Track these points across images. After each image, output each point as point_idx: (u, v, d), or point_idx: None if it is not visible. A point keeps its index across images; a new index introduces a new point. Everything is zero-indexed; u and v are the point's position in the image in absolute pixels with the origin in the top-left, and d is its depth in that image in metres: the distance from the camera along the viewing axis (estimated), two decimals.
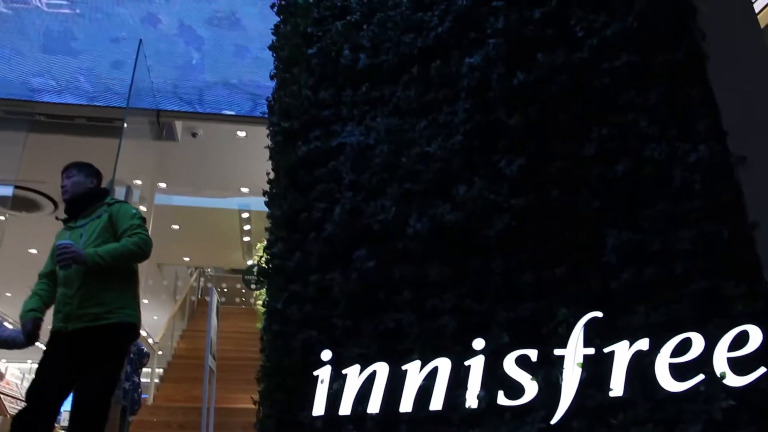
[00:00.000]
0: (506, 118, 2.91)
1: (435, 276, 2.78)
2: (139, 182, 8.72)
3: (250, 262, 13.92)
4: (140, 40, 7.30)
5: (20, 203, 10.16)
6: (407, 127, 2.99)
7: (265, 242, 3.27)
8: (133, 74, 7.21)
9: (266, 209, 3.38)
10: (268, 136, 3.53)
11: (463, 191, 2.77)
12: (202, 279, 18.56)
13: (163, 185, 10.02)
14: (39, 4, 7.42)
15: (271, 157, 3.46)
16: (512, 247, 2.72)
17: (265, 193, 3.50)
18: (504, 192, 2.75)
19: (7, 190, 9.70)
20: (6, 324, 4.02)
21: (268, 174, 3.42)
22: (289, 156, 3.14)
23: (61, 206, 3.99)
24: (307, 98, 3.22)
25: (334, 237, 2.90)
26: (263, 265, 3.23)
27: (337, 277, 2.86)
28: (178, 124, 8.71)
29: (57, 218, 4.09)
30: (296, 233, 3.01)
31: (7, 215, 10.44)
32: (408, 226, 2.81)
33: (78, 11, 7.55)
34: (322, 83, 3.28)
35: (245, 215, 12.80)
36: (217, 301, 8.51)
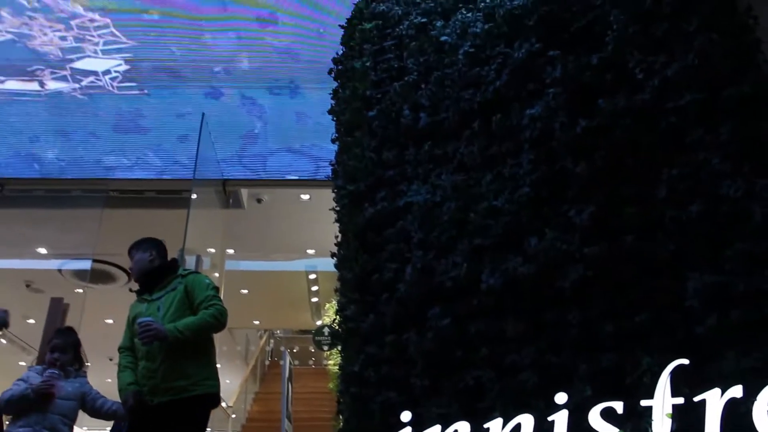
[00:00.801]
0: (572, 166, 2.91)
1: (511, 331, 2.77)
2: (209, 250, 9.00)
3: (319, 323, 14.03)
4: (203, 114, 7.64)
5: (97, 276, 10.64)
6: (473, 183, 3.03)
7: (336, 304, 3.33)
8: (198, 147, 7.54)
9: (333, 270, 3.45)
10: (334, 199, 3.62)
11: (535, 243, 2.78)
12: (272, 341, 18.79)
13: (231, 251, 10.30)
14: (111, 88, 7.86)
15: (338, 220, 3.55)
16: (589, 297, 2.70)
17: (333, 255, 3.58)
18: (576, 241, 2.74)
19: (86, 265, 10.18)
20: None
21: (337, 237, 3.50)
22: (357, 218, 3.21)
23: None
24: (371, 160, 3.31)
25: (407, 297, 2.93)
26: (335, 327, 3.27)
27: (413, 337, 2.88)
28: (244, 192, 9.02)
29: (131, 290, 4.24)
30: (369, 295, 3.06)
31: (85, 288, 10.88)
32: (481, 281, 2.82)
33: (146, 91, 7.97)
34: (384, 144, 3.36)
35: (312, 276, 12.99)
36: (290, 362, 8.59)
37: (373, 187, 3.27)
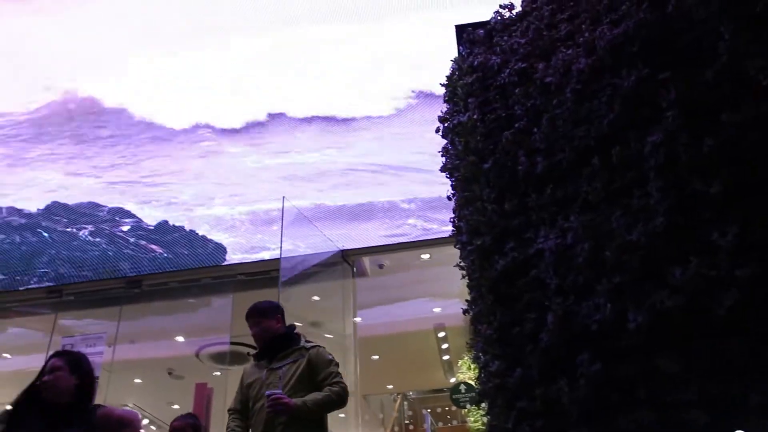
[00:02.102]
0: (705, 188, 2.80)
1: (668, 367, 2.65)
2: (336, 321, 9.20)
3: (453, 380, 13.87)
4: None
5: (234, 357, 11.08)
6: (602, 220, 2.96)
7: (468, 360, 3.31)
8: (281, 229, 7.85)
9: (461, 325, 3.45)
10: (460, 256, 3.63)
11: (679, 273, 2.66)
12: (406, 403, 18.76)
13: (358, 320, 10.48)
14: None
15: (468, 276, 3.54)
16: (747, 322, 2.55)
17: (465, 312, 3.57)
18: (724, 265, 2.60)
19: (222, 348, 10.65)
20: None
21: (469, 292, 3.49)
22: (488, 272, 3.21)
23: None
24: (494, 212, 3.31)
25: (552, 346, 2.88)
26: (473, 383, 3.26)
27: (564, 387, 2.81)
28: (366, 260, 9.20)
29: (248, 354, 4.38)
30: (511, 348, 3.02)
31: (224, 371, 11.34)
32: (627, 320, 2.72)
33: None
34: (504, 194, 3.37)
35: (441, 334, 12.95)
36: (431, 422, 8.55)
37: (499, 239, 3.27)
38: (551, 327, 2.90)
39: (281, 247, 8.60)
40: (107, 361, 10.04)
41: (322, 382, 3.90)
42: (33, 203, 12.45)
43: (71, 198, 12.25)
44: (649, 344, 2.72)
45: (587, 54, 3.46)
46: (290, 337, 4.22)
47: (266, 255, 8.80)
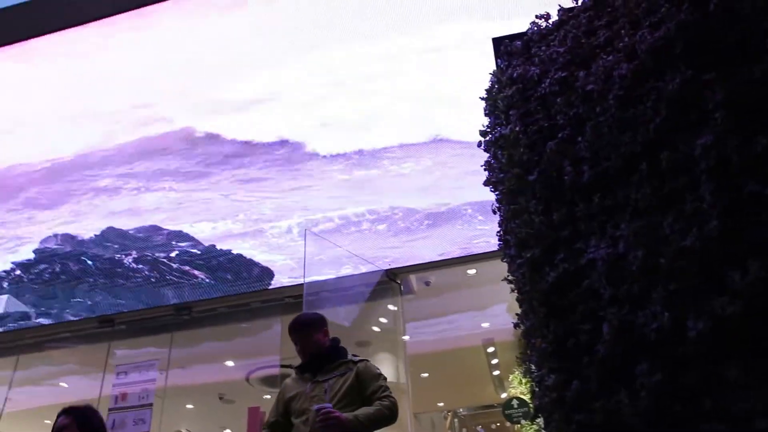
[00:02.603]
0: (761, 188, 2.72)
1: (734, 376, 2.56)
2: (384, 340, 9.19)
3: (504, 395, 13.70)
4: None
5: (282, 381, 11.16)
6: (654, 226, 2.90)
7: (518, 374, 3.26)
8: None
9: (511, 339, 3.41)
10: (508, 270, 3.59)
11: (739, 277, 2.58)
12: (456, 420, 18.58)
13: (407, 338, 10.46)
14: None
15: (517, 290, 3.50)
16: None
17: (516, 326, 3.52)
18: None
19: (272, 371, 10.73)
20: None
21: (520, 306, 3.45)
22: (539, 285, 3.16)
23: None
24: (542, 224, 3.27)
25: (609, 357, 2.81)
26: (525, 398, 3.21)
27: (624, 399, 2.74)
28: (412, 277, 9.20)
29: (291, 366, 4.30)
30: (568, 361, 2.97)
31: (273, 394, 11.42)
32: (687, 328, 2.65)
33: None
34: (551, 205, 3.32)
35: (491, 349, 12.83)
36: None
37: (549, 251, 3.22)
38: (607, 338, 2.84)
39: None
40: (160, 388, 10.17)
41: (371, 396, 3.85)
42: (90, 228, 12.70)
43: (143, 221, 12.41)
44: (712, 352, 2.64)
45: (628, 59, 3.42)
46: (337, 349, 4.19)
47: (318, 277, 8.86)
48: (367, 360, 4.21)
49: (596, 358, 2.88)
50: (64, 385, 13.18)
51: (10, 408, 12.00)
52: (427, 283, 9.11)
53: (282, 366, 10.41)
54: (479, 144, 4.11)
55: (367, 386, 3.88)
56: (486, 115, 4.14)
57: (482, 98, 4.23)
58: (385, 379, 4.03)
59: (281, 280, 9.25)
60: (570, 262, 3.12)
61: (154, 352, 10.91)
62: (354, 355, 4.23)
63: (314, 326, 4.23)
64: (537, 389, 3.28)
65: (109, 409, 9.81)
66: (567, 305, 3.07)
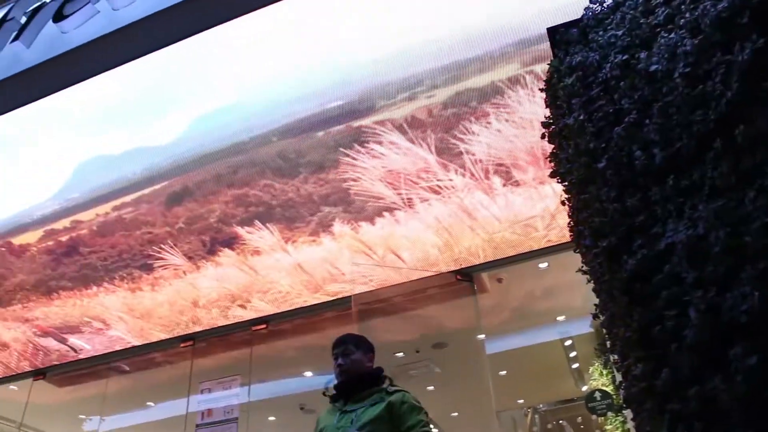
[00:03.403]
0: None
1: None
2: (460, 340, 9.15)
3: (584, 388, 13.43)
4: None
5: None
6: (735, 204, 2.79)
7: (599, 366, 3.18)
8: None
9: (588, 331, 3.32)
10: (582, 261, 3.52)
11: None
12: (537, 416, 18.34)
13: (481, 336, 10.39)
14: None
15: (594, 280, 3.42)
16: None
17: (595, 317, 3.44)
18: None
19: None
20: None
21: (598, 296, 3.38)
22: (619, 273, 3.09)
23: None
24: (615, 211, 3.19)
25: (699, 342, 2.71)
26: (608, 390, 3.12)
27: (720, 384, 2.64)
28: (484, 276, 9.14)
29: (325, 394, 4.09)
30: (655, 349, 2.88)
31: None
32: None
33: None
34: (624, 192, 3.24)
35: (568, 343, 12.61)
36: None
37: (625, 238, 3.14)
38: (695, 322, 2.74)
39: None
40: (244, 402, 10.38)
41: (408, 431, 3.61)
42: None
43: None
44: None
45: (692, 34, 3.30)
46: (375, 377, 3.98)
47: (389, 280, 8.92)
48: (406, 391, 3.92)
49: (685, 344, 2.78)
50: (151, 404, 13.61)
51: (103, 428, 12.51)
52: (500, 280, 9.04)
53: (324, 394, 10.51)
54: (542, 136, 4.05)
55: (404, 420, 3.63)
56: (547, 106, 4.08)
57: (541, 89, 4.16)
58: (426, 414, 3.81)
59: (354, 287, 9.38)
60: (649, 248, 3.04)
61: (235, 367, 11.14)
62: (392, 386, 3.99)
63: (362, 346, 4.07)
64: (624, 380, 3.19)
65: (197, 425, 10.08)
66: (650, 292, 2.98)
